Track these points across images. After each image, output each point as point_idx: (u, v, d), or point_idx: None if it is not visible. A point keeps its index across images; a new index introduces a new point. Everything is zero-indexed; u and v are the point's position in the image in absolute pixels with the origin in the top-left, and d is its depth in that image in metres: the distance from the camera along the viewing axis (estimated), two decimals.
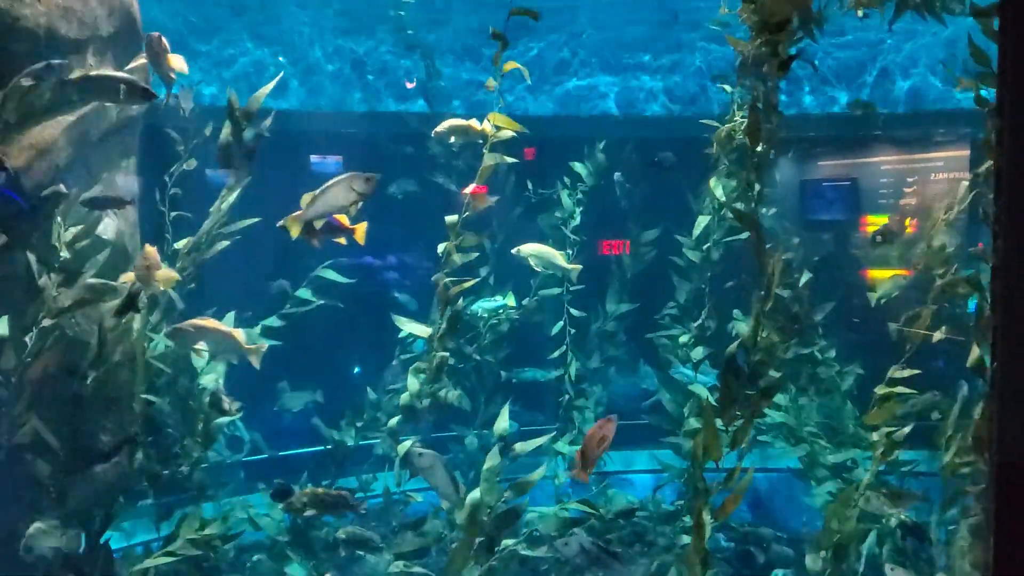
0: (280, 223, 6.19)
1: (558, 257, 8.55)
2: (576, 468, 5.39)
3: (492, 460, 6.65)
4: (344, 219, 6.21)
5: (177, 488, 7.30)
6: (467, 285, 7.67)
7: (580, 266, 9.03)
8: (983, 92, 5.40)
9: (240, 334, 6.48)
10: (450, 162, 10.35)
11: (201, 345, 6.60)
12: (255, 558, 7.84)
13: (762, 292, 5.72)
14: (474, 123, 7.47)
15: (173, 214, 7.43)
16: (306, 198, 6.06)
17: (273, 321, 8.27)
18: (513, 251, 8.39)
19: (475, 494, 6.57)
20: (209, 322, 6.50)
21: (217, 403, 6.91)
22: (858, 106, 9.64)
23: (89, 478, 5.98)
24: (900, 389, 6.34)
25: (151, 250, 6.03)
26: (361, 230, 6.27)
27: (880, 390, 6.44)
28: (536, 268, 8.57)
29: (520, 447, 6.91)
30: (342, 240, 6.29)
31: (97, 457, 6.04)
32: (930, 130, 9.99)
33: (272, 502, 7.23)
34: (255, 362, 6.47)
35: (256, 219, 7.19)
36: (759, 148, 5.74)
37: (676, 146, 9.75)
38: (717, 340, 9.11)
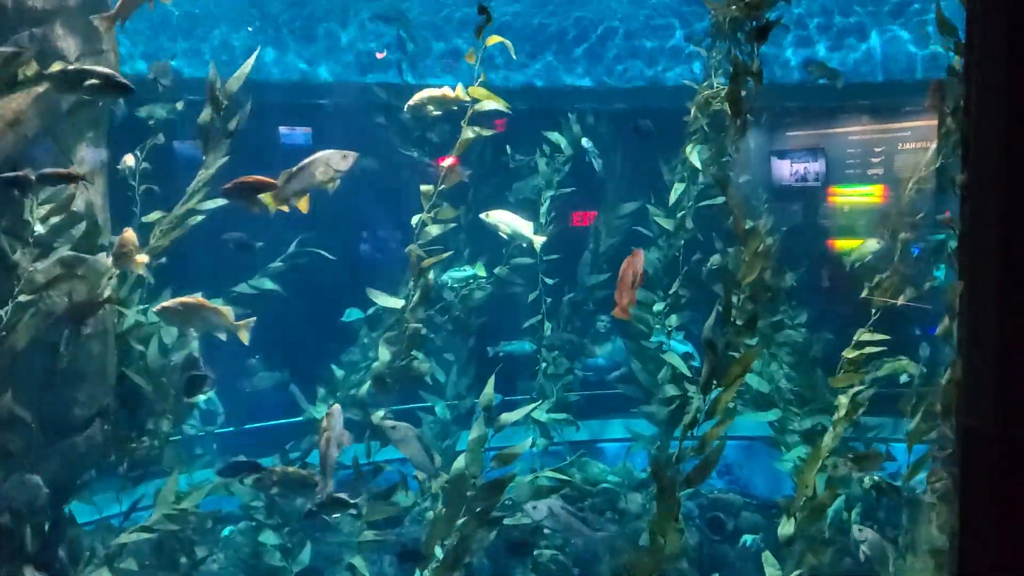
0: (225, 186, 6.20)
1: (525, 227, 8.50)
2: (617, 308, 5.26)
3: (477, 430, 6.66)
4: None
5: (149, 461, 7.28)
6: (443, 257, 7.68)
7: (544, 238, 8.98)
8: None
9: (228, 310, 6.43)
10: (424, 134, 10.27)
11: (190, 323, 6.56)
12: (229, 529, 7.86)
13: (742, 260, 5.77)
14: (447, 90, 7.43)
15: (142, 188, 7.39)
16: (284, 176, 6.05)
17: (243, 288, 8.22)
18: (482, 215, 8.36)
19: (459, 464, 6.58)
20: (195, 299, 6.46)
21: (194, 369, 6.86)
22: (816, 69, 9.58)
23: (61, 450, 5.97)
24: (869, 350, 6.41)
25: (130, 235, 5.99)
26: (304, 199, 6.22)
27: (848, 353, 6.51)
28: (503, 235, 8.52)
29: (505, 417, 6.92)
30: (285, 207, 6.26)
31: (69, 429, 6.02)
32: (898, 99, 10.01)
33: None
34: (244, 338, 6.42)
35: (224, 202, 7.11)
36: (739, 116, 5.75)
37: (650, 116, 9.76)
38: (690, 308, 9.18)
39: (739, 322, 5.88)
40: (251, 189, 6.22)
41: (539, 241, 8.68)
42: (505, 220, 8.35)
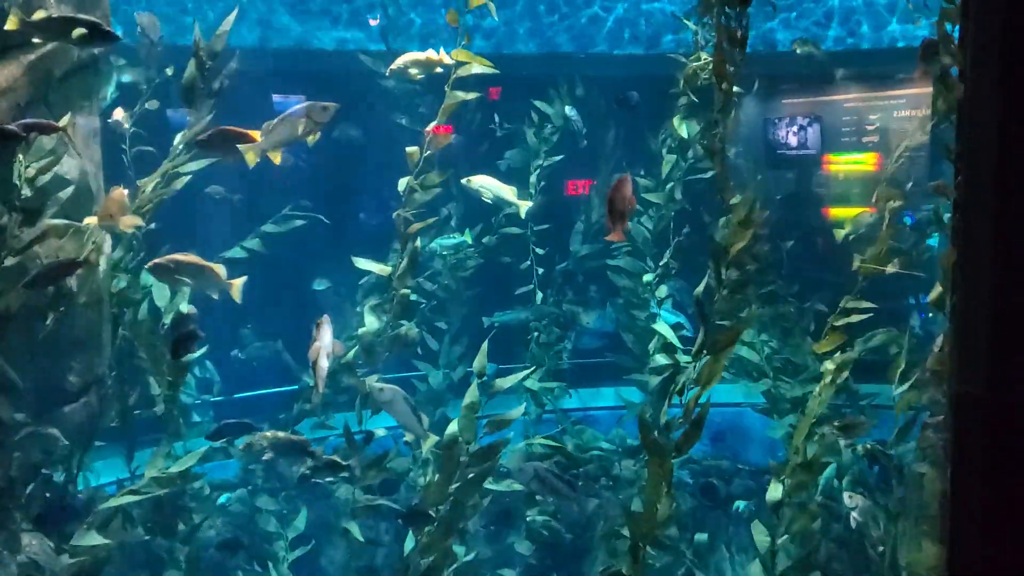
0: (200, 137, 6.16)
1: (507, 191, 8.46)
2: (611, 231, 5.06)
3: (471, 397, 6.68)
4: (256, 134, 6.16)
5: (147, 428, 7.29)
6: (429, 223, 7.67)
7: (530, 202, 8.94)
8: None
9: (221, 268, 6.42)
10: (412, 101, 10.18)
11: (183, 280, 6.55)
12: (225, 497, 7.89)
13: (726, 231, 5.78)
14: (432, 54, 7.40)
15: (134, 150, 7.34)
16: (264, 128, 6.04)
17: (237, 252, 8.19)
18: (463, 181, 8.32)
19: (452, 428, 6.61)
20: (189, 257, 6.43)
21: (185, 326, 6.86)
22: (803, 45, 9.54)
23: (57, 419, 5.97)
24: (855, 317, 6.44)
25: (117, 196, 5.96)
26: (277, 153, 6.20)
27: (835, 320, 6.55)
28: (486, 200, 8.50)
29: (499, 384, 6.95)
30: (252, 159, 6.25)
31: (65, 398, 6.02)
32: (892, 67, 9.99)
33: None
34: (236, 296, 6.41)
35: (211, 160, 7.08)
36: (724, 87, 5.75)
37: (641, 84, 9.71)
38: (681, 278, 9.21)
39: (726, 291, 5.91)
40: (228, 141, 6.20)
41: (524, 206, 8.66)
42: (487, 185, 8.33)
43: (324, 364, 5.83)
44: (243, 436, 7.03)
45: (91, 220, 5.94)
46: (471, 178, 8.33)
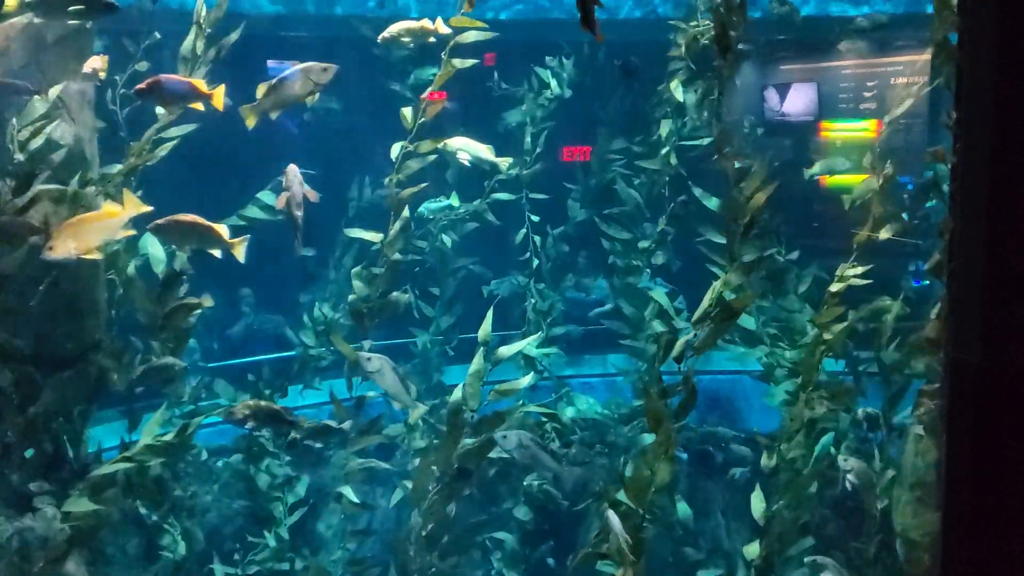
0: (139, 86, 6.11)
1: (484, 151, 8.38)
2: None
3: (476, 365, 6.70)
4: (201, 84, 6.09)
5: (145, 394, 7.28)
6: (422, 187, 7.64)
7: (510, 159, 8.86)
8: None
9: (223, 228, 6.38)
10: (405, 68, 10.08)
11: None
12: (222, 462, 7.90)
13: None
14: (426, 23, 7.33)
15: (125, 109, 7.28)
16: (262, 88, 6.00)
17: (234, 220, 8.15)
18: (439, 144, 8.24)
19: (457, 395, 6.63)
20: (191, 217, 6.38)
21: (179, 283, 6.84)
22: (780, 7, 9.38)
23: (54, 384, 5.97)
24: (853, 281, 6.43)
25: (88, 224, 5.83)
26: (219, 93, 6.13)
27: (834, 287, 6.54)
28: (464, 163, 8.42)
29: (503, 352, 6.95)
30: (199, 105, 6.19)
31: (62, 363, 6.02)
32: (890, 34, 9.92)
33: None
34: (239, 256, 6.36)
35: (194, 126, 6.99)
36: (726, 53, 5.72)
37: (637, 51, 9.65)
38: (676, 246, 9.19)
39: (736, 261, 5.91)
40: (166, 90, 6.13)
41: (504, 163, 8.58)
42: (464, 147, 8.24)
43: (299, 213, 5.88)
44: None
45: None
46: (447, 141, 8.19)
